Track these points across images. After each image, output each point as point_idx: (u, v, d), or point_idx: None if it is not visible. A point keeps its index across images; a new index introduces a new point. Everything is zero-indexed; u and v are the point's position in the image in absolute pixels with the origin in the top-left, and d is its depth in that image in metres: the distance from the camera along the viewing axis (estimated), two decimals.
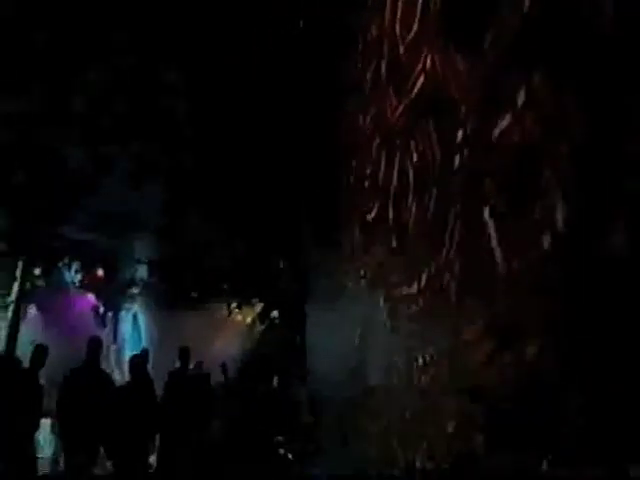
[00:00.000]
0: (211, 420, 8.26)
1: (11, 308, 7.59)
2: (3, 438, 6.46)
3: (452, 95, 4.63)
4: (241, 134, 10.26)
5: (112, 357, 9.13)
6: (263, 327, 11.83)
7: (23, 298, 7.74)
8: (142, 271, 10.50)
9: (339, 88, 7.81)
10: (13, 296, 7.60)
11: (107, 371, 7.64)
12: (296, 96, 9.54)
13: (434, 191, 4.89)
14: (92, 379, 7.08)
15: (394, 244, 5.83)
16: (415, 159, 5.34)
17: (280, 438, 8.91)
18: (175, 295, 10.80)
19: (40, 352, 7.06)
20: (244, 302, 11.89)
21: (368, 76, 6.66)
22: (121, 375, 8.99)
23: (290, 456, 8.77)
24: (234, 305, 11.87)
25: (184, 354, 8.22)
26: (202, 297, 11.36)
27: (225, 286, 11.58)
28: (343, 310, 7.63)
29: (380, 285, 6.13)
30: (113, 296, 9.77)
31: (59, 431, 7.12)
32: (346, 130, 7.50)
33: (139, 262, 10.31)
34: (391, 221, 5.88)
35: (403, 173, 5.62)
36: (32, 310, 8.15)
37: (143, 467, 7.43)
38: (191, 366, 8.44)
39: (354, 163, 7.26)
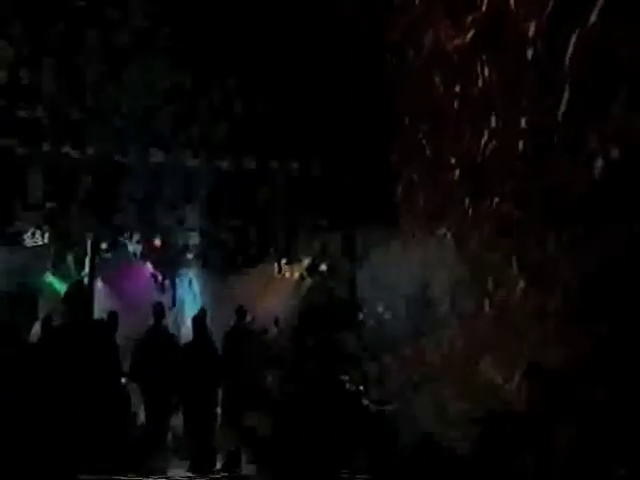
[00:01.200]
0: (269, 371, 8.82)
1: (85, 280, 8.45)
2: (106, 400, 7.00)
3: (519, 14, 4.60)
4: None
5: (173, 320, 9.72)
6: (312, 281, 12.20)
7: (94, 271, 8.60)
8: (195, 239, 11.10)
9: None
10: (87, 269, 8.52)
11: (170, 332, 8.50)
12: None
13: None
14: (159, 339, 7.97)
15: (456, 176, 5.89)
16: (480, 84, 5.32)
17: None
18: (227, 259, 11.41)
19: (113, 318, 7.73)
20: (293, 259, 12.28)
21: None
22: (182, 335, 9.49)
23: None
24: (284, 262, 12.26)
25: (240, 312, 8.95)
26: (252, 258, 11.87)
27: (274, 246, 12.08)
28: (399, 255, 7.98)
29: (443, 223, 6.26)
30: (170, 264, 10.46)
31: (137, 388, 7.80)
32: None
33: (193, 230, 10.94)
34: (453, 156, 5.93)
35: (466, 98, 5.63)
36: (100, 281, 8.93)
37: (210, 416, 8.15)
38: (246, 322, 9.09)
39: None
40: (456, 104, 5.80)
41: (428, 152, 6.59)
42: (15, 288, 7.50)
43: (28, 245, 7.97)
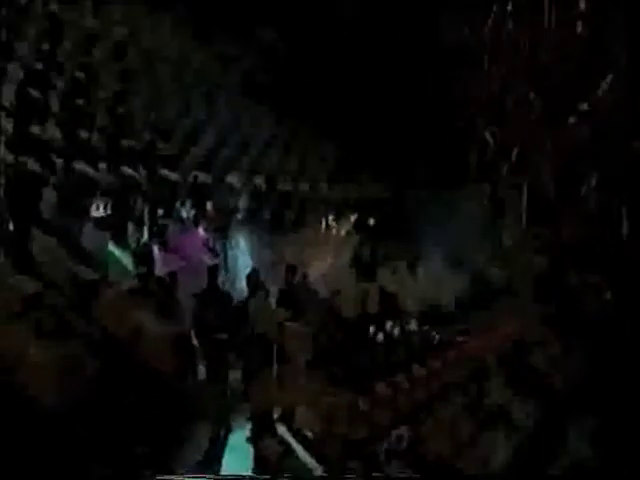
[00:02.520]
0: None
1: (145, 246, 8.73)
2: None
3: None
4: None
5: (226, 280, 9.91)
6: (360, 237, 12.28)
7: (152, 237, 8.92)
8: (244, 201, 11.42)
9: None
10: (145, 236, 8.82)
11: (225, 291, 8.94)
12: None
13: None
14: (215, 299, 8.45)
15: None
16: None
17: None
18: (274, 219, 11.61)
19: (173, 278, 8.24)
20: (340, 216, 12.36)
21: None
22: (237, 293, 9.74)
23: None
24: (331, 218, 12.35)
25: (290, 270, 9.48)
26: (299, 217, 12.00)
27: (321, 205, 12.30)
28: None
29: None
30: (221, 227, 10.60)
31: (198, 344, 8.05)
32: None
33: (242, 194, 11.32)
34: None
35: None
36: (158, 246, 9.08)
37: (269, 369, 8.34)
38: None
39: None
40: None
41: None
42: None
43: (92, 216, 8.11)
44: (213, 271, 8.86)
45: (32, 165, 5.94)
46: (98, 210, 8.07)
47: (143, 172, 9.48)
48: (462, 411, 7.07)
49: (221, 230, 10.53)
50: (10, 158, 6.10)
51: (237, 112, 11.86)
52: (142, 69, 9.90)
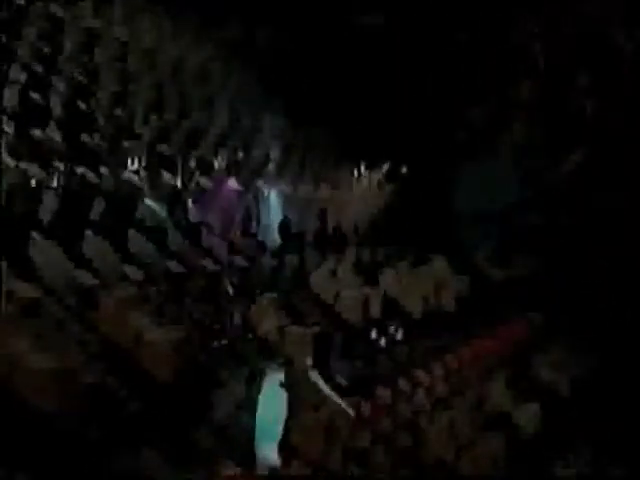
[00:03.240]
0: None
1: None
2: None
3: None
4: None
5: (259, 228, 10.20)
6: (393, 188, 12.33)
7: (186, 189, 9.04)
8: (276, 149, 11.78)
9: None
10: (179, 188, 8.89)
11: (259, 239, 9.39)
12: None
13: None
14: (248, 247, 8.86)
15: None
16: None
17: None
18: (305, 167, 11.91)
19: (210, 228, 8.52)
20: (371, 164, 12.42)
21: None
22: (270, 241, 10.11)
23: None
24: (362, 167, 12.42)
25: (322, 216, 10.09)
26: (329, 166, 12.31)
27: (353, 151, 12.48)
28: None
29: None
30: (252, 176, 10.79)
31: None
32: None
33: (273, 143, 11.73)
34: None
35: None
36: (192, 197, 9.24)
37: None
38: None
39: None
40: None
41: None
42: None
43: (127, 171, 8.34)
44: (246, 221, 9.24)
45: (33, 169, 5.91)
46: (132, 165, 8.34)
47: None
48: (463, 415, 7.05)
49: (253, 180, 10.67)
50: (10, 162, 6.07)
51: None
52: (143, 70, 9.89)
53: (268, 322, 6.90)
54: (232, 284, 7.79)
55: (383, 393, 6.86)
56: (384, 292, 8.73)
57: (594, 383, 9.41)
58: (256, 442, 5.73)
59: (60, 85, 7.91)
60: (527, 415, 7.34)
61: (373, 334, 7.99)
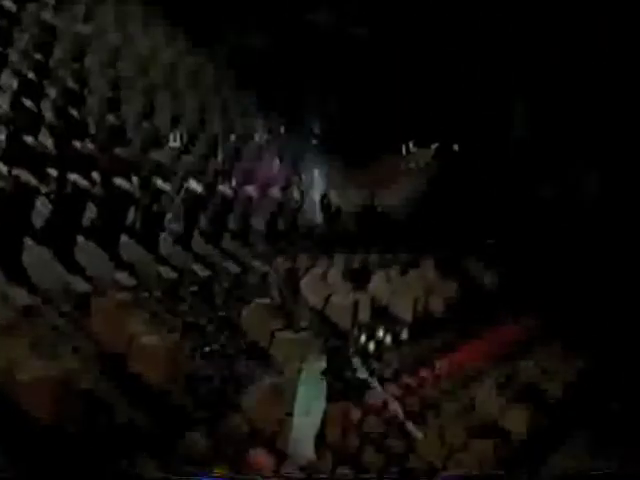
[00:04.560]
0: None
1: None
2: None
3: None
4: None
5: (301, 204, 10.18)
6: (441, 169, 12.29)
7: (225, 165, 9.19)
8: (318, 126, 12.08)
9: None
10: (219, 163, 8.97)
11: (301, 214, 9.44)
12: None
13: None
14: (288, 221, 9.07)
15: None
16: None
17: None
18: (352, 146, 11.81)
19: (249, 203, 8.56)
20: (420, 144, 12.37)
21: None
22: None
23: None
24: (411, 147, 12.42)
25: (367, 196, 10.30)
26: (377, 146, 12.11)
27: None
28: None
29: None
30: (295, 152, 10.96)
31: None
32: None
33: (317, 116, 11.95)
34: None
35: None
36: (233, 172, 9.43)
37: None
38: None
39: None
40: None
41: None
42: None
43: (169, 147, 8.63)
44: (286, 194, 9.31)
45: (25, 176, 5.92)
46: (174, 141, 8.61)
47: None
48: (454, 420, 7.10)
49: (296, 154, 10.80)
50: (2, 168, 6.08)
51: None
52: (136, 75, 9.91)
53: (260, 327, 6.92)
54: (224, 288, 7.80)
55: (373, 397, 6.89)
56: (373, 297, 8.74)
57: (585, 387, 9.48)
58: (292, 435, 5.53)
59: (52, 91, 7.93)
60: (517, 420, 7.39)
61: (362, 339, 8.01)
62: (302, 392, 5.83)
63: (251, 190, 8.72)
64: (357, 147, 11.58)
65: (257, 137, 10.17)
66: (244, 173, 9.11)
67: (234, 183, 8.75)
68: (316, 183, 10.66)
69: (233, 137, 9.76)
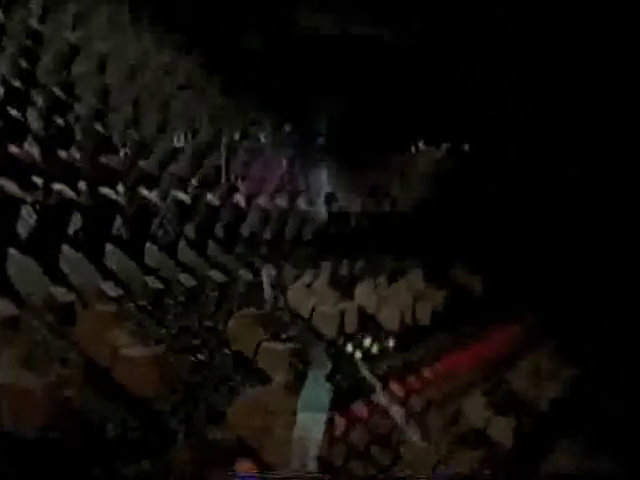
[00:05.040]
0: None
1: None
2: None
3: None
4: None
5: (307, 202, 10.34)
6: (450, 169, 12.15)
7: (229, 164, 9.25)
8: (325, 126, 12.02)
9: None
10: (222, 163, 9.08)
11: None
12: None
13: None
14: (294, 221, 9.31)
15: None
16: None
17: None
18: (358, 146, 11.72)
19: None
20: (429, 144, 12.25)
21: None
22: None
23: None
24: (420, 145, 12.33)
25: (373, 193, 10.50)
26: (385, 146, 12.07)
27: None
28: None
29: None
30: (301, 150, 10.96)
31: None
32: None
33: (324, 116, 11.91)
34: None
35: None
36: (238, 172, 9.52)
37: None
38: None
39: None
40: None
41: None
42: None
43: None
44: (292, 195, 9.48)
45: (10, 186, 5.90)
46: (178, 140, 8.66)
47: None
48: (440, 429, 7.09)
49: (301, 154, 10.76)
50: None
51: None
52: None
53: (245, 337, 6.91)
54: (210, 298, 7.76)
55: (358, 407, 6.87)
56: (359, 306, 8.73)
57: (575, 395, 9.50)
58: (296, 437, 5.47)
59: (38, 99, 7.90)
60: (504, 429, 7.39)
61: (349, 348, 8.00)
62: (308, 392, 5.76)
63: (238, 198, 8.74)
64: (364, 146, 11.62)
65: (244, 145, 10.15)
66: (230, 184, 9.12)
67: (223, 191, 8.76)
68: (308, 189, 10.62)
69: (222, 147, 9.75)
